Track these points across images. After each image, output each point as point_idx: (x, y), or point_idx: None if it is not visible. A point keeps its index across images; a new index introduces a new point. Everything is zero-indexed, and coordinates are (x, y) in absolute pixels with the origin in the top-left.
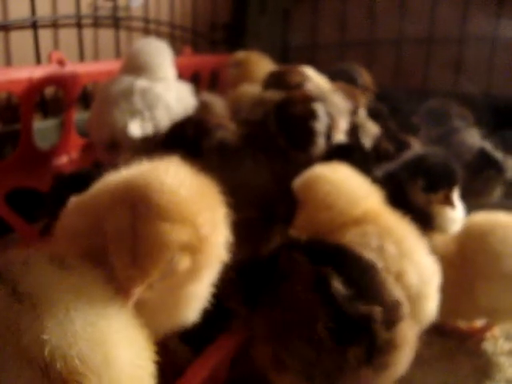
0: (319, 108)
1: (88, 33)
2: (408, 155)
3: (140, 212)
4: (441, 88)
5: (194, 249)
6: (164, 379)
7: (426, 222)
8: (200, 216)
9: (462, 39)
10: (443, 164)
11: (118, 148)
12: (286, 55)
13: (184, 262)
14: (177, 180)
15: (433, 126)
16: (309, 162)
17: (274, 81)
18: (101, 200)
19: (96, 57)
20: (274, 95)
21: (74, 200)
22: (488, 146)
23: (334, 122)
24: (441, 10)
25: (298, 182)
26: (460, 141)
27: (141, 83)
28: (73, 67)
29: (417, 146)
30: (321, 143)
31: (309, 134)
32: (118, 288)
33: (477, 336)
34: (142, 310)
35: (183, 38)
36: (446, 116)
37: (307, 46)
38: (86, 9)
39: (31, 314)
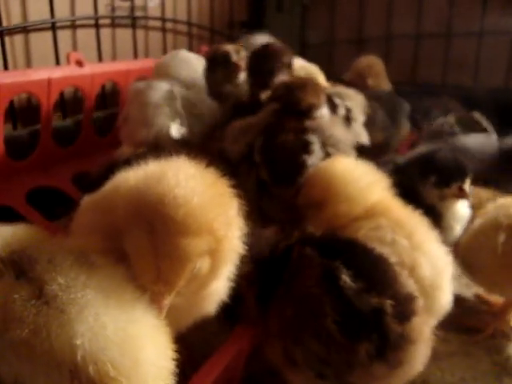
0: (314, 140)
1: (106, 33)
2: (415, 153)
3: (157, 230)
4: (457, 83)
5: (212, 252)
6: (182, 375)
7: (434, 219)
8: (215, 220)
9: (481, 34)
10: (453, 158)
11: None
12: (304, 52)
13: (205, 266)
14: (189, 189)
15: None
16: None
17: (284, 95)
18: (113, 204)
19: (114, 57)
20: (262, 120)
21: (87, 199)
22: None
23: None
24: (458, 5)
25: (313, 181)
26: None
27: (180, 90)
28: (91, 68)
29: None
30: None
31: (297, 169)
32: (149, 300)
33: (494, 330)
34: (167, 312)
35: (201, 36)
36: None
37: (325, 43)
38: (103, 9)
39: (60, 318)
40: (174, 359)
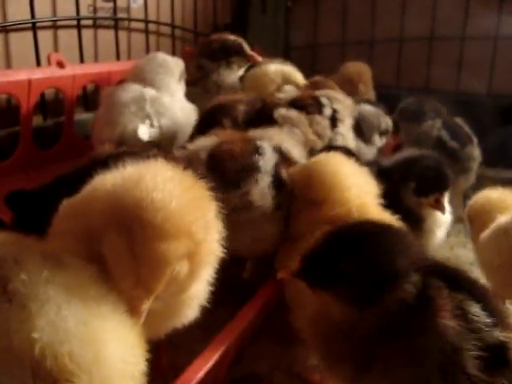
0: (265, 145)
1: (88, 34)
2: (401, 155)
3: (136, 234)
4: (443, 87)
5: (191, 255)
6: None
7: (415, 223)
8: (194, 224)
9: (464, 38)
10: (435, 168)
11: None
12: (288, 55)
13: (184, 270)
14: (167, 192)
15: (408, 122)
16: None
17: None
18: (90, 207)
19: (96, 58)
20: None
21: (65, 203)
22: (445, 135)
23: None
24: (442, 9)
25: (309, 176)
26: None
27: (151, 92)
28: (72, 69)
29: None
30: (263, 183)
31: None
32: (127, 307)
33: None
34: (146, 317)
35: (184, 38)
36: (420, 112)
37: (308, 46)
38: (85, 10)
39: (21, 314)
40: (146, 359)
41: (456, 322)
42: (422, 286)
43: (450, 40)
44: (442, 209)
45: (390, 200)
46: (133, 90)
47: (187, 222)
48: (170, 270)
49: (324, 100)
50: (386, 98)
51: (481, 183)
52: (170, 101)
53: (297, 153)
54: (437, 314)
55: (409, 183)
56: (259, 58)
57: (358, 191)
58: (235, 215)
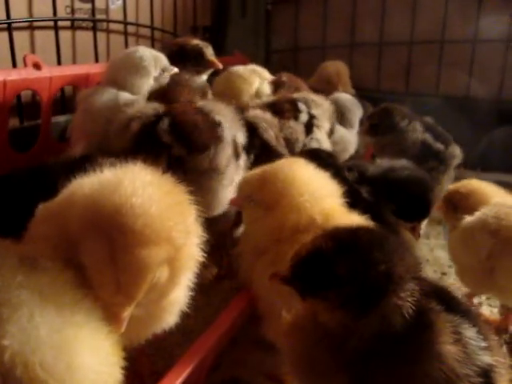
0: (223, 119)
1: (65, 35)
2: (387, 167)
3: (116, 242)
4: (423, 90)
5: (171, 260)
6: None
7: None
8: (174, 229)
9: (444, 41)
10: (417, 197)
11: None
12: (268, 58)
13: (164, 275)
14: (146, 197)
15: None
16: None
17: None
18: (69, 213)
19: (74, 60)
20: (147, 109)
21: (42, 207)
22: (429, 138)
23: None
24: (423, 12)
25: (262, 179)
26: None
27: (125, 96)
28: (49, 70)
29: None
30: (226, 150)
31: (214, 137)
32: (107, 314)
33: None
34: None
35: (164, 40)
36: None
37: (289, 49)
38: (62, 11)
39: None
40: (121, 367)
41: (456, 348)
42: (422, 309)
43: (430, 43)
44: (416, 236)
45: (371, 209)
46: (107, 94)
47: (167, 227)
48: (150, 277)
49: (301, 106)
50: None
51: None
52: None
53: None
54: (438, 340)
55: (389, 203)
56: (219, 65)
57: (314, 196)
58: (203, 179)
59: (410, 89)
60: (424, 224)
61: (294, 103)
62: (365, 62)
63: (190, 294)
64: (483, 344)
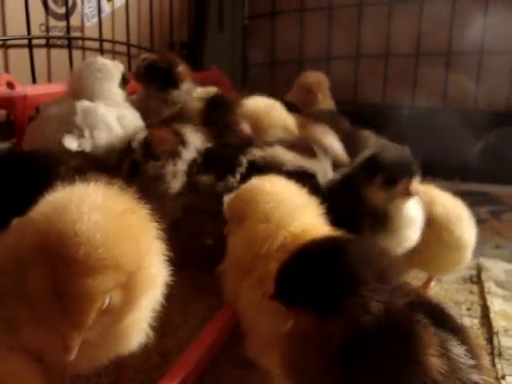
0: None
1: (40, 54)
2: (361, 157)
3: (59, 270)
4: (398, 103)
5: (124, 285)
6: None
7: (383, 223)
8: (122, 256)
9: (419, 54)
10: (399, 156)
11: None
12: (245, 72)
13: (117, 300)
14: (92, 223)
15: None
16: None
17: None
18: (23, 235)
19: (49, 79)
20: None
21: (15, 222)
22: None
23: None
24: (396, 26)
25: (234, 198)
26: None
27: (82, 104)
28: (23, 89)
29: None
30: (178, 166)
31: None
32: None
33: None
34: (82, 348)
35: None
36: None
37: (266, 63)
38: (37, 29)
39: None
40: None
41: (441, 361)
42: (409, 321)
43: (406, 57)
44: (412, 195)
45: (352, 207)
46: (64, 104)
47: (114, 254)
48: (96, 306)
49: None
50: (342, 114)
51: None
52: (104, 112)
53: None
54: (423, 352)
55: (376, 177)
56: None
57: (285, 207)
58: (149, 185)
59: (387, 101)
60: (416, 186)
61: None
62: (342, 75)
63: (167, 313)
64: (471, 362)
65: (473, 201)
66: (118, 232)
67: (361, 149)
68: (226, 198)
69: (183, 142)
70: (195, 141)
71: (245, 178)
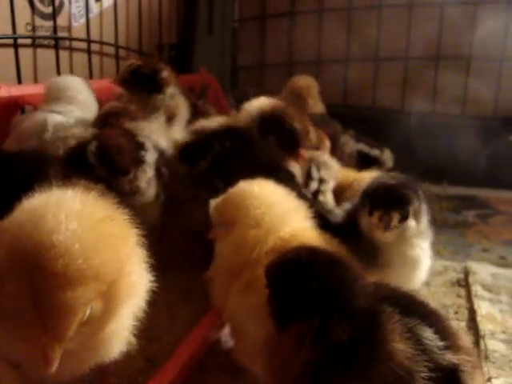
0: (147, 142)
1: (26, 54)
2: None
3: (38, 283)
4: (389, 106)
5: (105, 295)
6: None
7: (373, 255)
8: (103, 265)
9: (408, 58)
10: (387, 186)
11: None
12: (235, 75)
13: (97, 310)
14: (69, 233)
15: None
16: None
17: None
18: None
19: (35, 79)
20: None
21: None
22: (364, 147)
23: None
24: (385, 30)
25: (221, 202)
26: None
27: (54, 118)
28: (8, 90)
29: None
30: (148, 173)
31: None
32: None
33: None
34: (64, 357)
35: (129, 59)
36: None
37: (255, 66)
38: (23, 28)
39: None
40: None
41: (406, 345)
42: (373, 312)
43: (395, 61)
44: (381, 227)
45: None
46: (37, 117)
47: (94, 264)
48: (77, 318)
49: (314, 172)
50: (333, 117)
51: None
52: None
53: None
54: (386, 339)
55: (365, 205)
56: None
57: (275, 211)
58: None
59: (377, 104)
60: (396, 220)
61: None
62: (331, 79)
63: (153, 318)
64: (443, 343)
65: (461, 204)
66: (98, 240)
67: (340, 153)
68: (213, 203)
69: (142, 146)
70: (153, 139)
71: None
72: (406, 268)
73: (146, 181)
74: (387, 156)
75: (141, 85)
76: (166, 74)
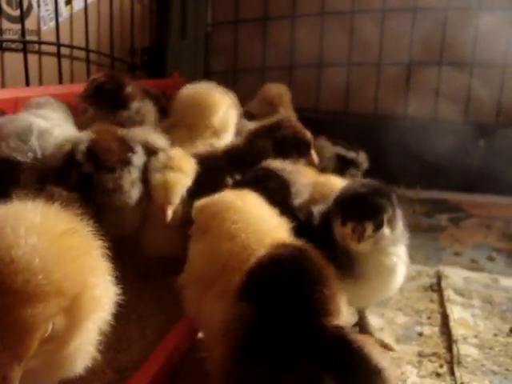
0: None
1: None
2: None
3: None
4: (361, 111)
5: (67, 310)
6: None
7: (348, 268)
8: (65, 280)
9: (380, 64)
10: (359, 195)
11: None
12: (208, 79)
13: (60, 325)
14: (29, 248)
15: None
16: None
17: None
18: None
19: (3, 83)
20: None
21: None
22: (341, 150)
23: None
24: (360, 32)
25: (202, 205)
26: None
27: (41, 123)
28: None
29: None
30: (132, 174)
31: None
32: None
33: None
34: (23, 375)
35: (100, 62)
36: None
37: (229, 70)
38: None
39: None
40: None
41: None
42: None
43: (369, 66)
44: (354, 238)
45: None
46: (21, 121)
47: (55, 279)
48: (38, 335)
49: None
50: (305, 122)
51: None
52: (60, 133)
53: (160, 142)
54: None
55: (337, 215)
56: None
57: (252, 227)
58: (108, 197)
59: (350, 109)
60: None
61: None
62: (304, 83)
63: (123, 328)
64: None
65: (433, 208)
66: (59, 254)
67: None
68: (197, 203)
69: (131, 149)
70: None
71: None
72: (382, 277)
73: (130, 182)
74: (362, 158)
75: (105, 101)
76: (130, 89)
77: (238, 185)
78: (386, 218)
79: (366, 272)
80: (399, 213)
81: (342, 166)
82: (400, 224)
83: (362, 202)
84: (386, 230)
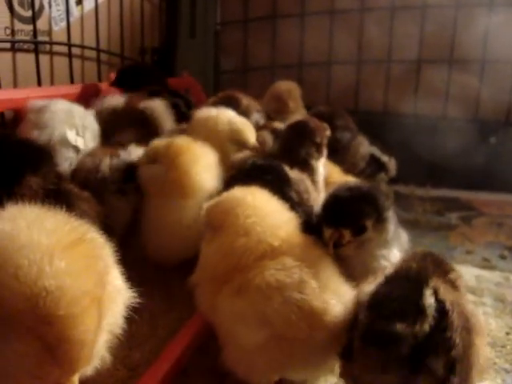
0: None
1: (5, 58)
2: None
3: (43, 332)
4: (372, 109)
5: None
6: None
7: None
8: (83, 297)
9: (389, 62)
10: (339, 200)
11: None
12: (217, 79)
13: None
14: (45, 262)
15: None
16: None
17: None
18: None
19: (15, 84)
20: None
21: None
22: (376, 151)
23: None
24: (368, 33)
25: (213, 205)
26: (354, 150)
27: (78, 109)
28: None
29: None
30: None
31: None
32: None
33: None
34: None
35: (110, 62)
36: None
37: (239, 69)
38: (2, 32)
39: None
40: None
41: None
42: None
43: (378, 63)
44: (331, 246)
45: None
46: (63, 102)
47: (74, 297)
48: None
49: None
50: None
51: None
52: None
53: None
54: None
55: (321, 218)
56: None
57: (266, 221)
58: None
59: (359, 107)
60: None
61: None
62: (313, 82)
63: (135, 326)
64: None
65: (444, 206)
66: (72, 264)
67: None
68: (206, 205)
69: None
70: None
71: None
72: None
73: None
74: (393, 165)
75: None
76: None
77: (234, 179)
78: (369, 222)
79: (353, 274)
80: (391, 216)
81: (372, 168)
82: (391, 227)
83: (340, 208)
84: (370, 234)
